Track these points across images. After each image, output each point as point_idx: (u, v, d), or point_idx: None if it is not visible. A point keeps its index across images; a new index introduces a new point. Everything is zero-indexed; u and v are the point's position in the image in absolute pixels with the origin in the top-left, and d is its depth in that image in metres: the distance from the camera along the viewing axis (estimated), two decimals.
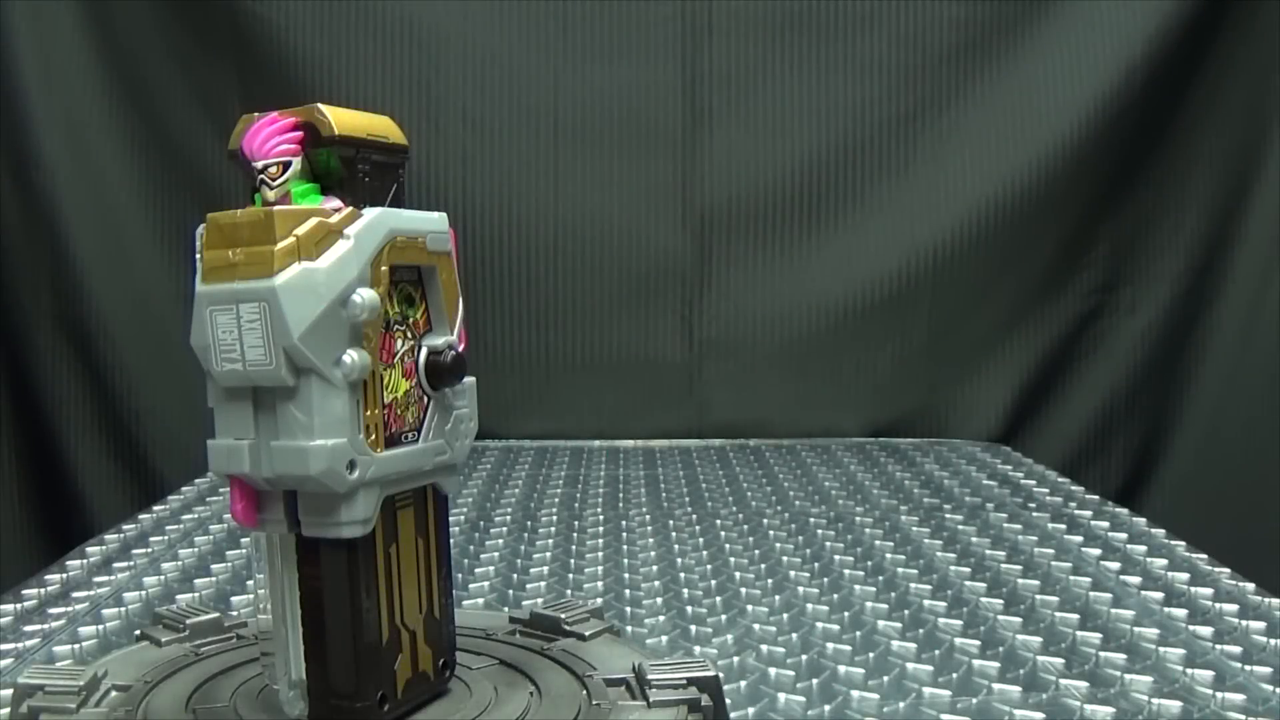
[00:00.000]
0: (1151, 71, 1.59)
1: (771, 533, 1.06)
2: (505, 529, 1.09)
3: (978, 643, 0.75)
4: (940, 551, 0.99)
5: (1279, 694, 0.67)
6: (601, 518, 1.13)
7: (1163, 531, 1.05)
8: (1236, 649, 0.74)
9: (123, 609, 0.84)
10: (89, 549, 1.03)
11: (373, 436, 0.50)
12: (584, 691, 0.55)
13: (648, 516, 1.14)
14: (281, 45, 1.60)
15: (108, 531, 1.11)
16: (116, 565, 0.96)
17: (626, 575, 0.93)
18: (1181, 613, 0.81)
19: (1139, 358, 1.68)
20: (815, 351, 1.64)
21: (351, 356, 0.48)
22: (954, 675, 0.70)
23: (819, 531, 1.06)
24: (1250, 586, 0.88)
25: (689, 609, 0.83)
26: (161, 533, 1.09)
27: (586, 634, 0.66)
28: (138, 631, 0.71)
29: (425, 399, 0.54)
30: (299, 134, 0.50)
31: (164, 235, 1.65)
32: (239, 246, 0.48)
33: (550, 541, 1.04)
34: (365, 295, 0.48)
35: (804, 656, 0.74)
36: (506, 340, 1.64)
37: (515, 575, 0.93)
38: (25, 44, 1.59)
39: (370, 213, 0.50)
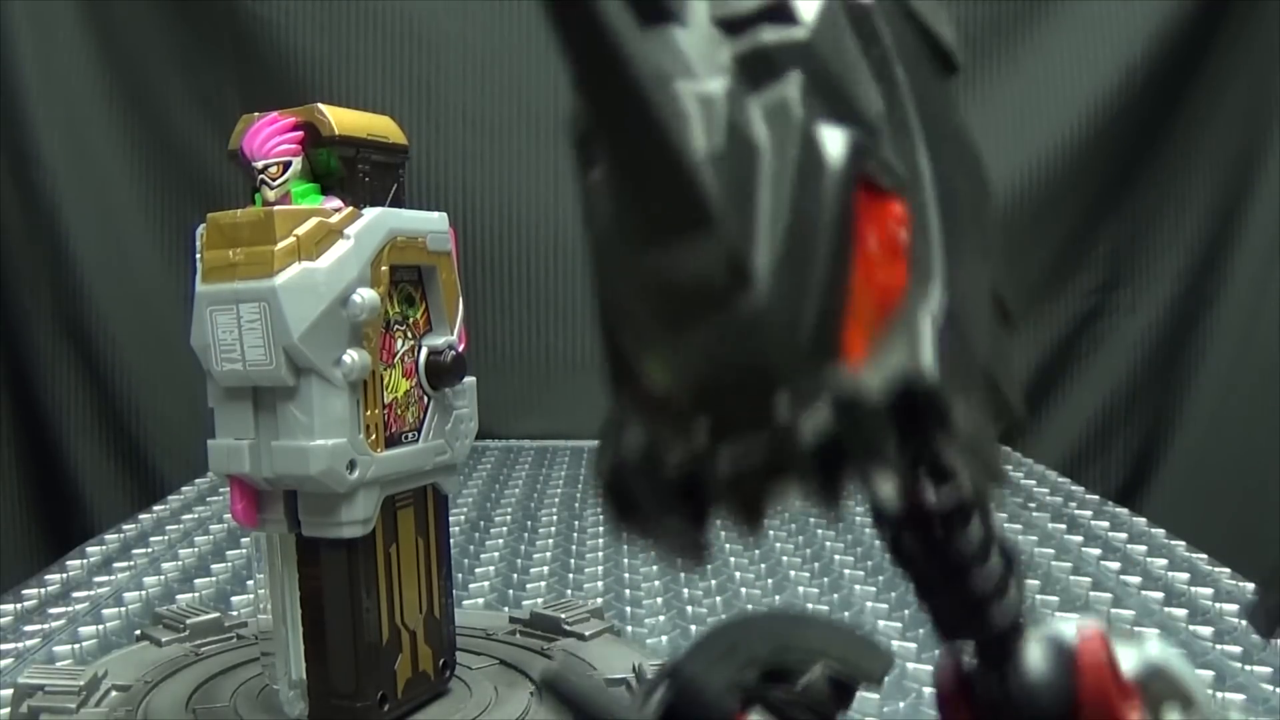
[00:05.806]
0: (1151, 71, 1.59)
1: (771, 533, 1.06)
2: (505, 529, 1.08)
3: None
4: None
5: (1279, 694, 0.67)
6: (602, 518, 1.13)
7: (1163, 531, 1.05)
8: (1236, 649, 0.74)
9: (123, 609, 0.83)
10: (89, 549, 1.03)
11: (373, 436, 0.50)
12: None
13: None
14: (281, 45, 1.60)
15: (108, 531, 1.11)
16: (116, 565, 0.96)
17: (626, 575, 0.92)
18: (1181, 613, 0.81)
19: (1139, 358, 1.68)
20: None
21: (352, 356, 0.48)
22: None
23: (819, 531, 1.06)
24: (1250, 586, 0.88)
25: (689, 609, 0.83)
26: (161, 533, 1.09)
27: (586, 634, 0.66)
28: (138, 631, 0.71)
29: (425, 399, 0.54)
30: (299, 134, 0.51)
31: (164, 235, 1.65)
32: (239, 246, 0.48)
33: (550, 541, 1.04)
34: (365, 295, 0.48)
35: None
36: (506, 340, 1.64)
37: (515, 575, 0.93)
38: (25, 44, 1.59)
39: (370, 213, 0.51)
